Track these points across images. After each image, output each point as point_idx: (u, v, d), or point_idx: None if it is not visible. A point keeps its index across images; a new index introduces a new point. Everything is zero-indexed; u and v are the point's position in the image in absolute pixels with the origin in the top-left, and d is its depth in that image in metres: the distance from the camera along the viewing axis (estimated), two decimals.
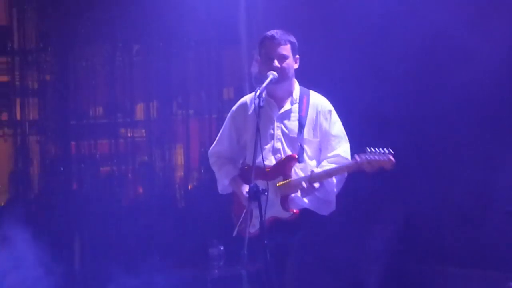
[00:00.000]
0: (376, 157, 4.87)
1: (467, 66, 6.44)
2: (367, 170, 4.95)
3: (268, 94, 5.33)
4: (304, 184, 5.11)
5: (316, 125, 5.32)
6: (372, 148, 4.90)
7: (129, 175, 8.89)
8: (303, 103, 5.33)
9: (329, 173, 5.13)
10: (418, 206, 6.77)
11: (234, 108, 5.56)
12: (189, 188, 8.77)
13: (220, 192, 5.59)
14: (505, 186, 5.96)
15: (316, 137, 5.31)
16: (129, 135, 9.03)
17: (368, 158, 4.91)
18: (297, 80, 5.42)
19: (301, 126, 5.28)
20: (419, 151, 6.67)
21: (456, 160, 6.59)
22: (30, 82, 8.88)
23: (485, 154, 6.44)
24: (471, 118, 6.50)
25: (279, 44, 5.23)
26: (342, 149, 5.27)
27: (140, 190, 8.97)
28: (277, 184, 5.20)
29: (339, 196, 5.36)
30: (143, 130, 9.09)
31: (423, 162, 6.66)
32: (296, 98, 5.36)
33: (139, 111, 9.14)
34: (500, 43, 6.38)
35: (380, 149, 4.87)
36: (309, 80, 5.46)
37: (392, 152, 4.84)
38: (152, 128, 8.98)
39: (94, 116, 9.08)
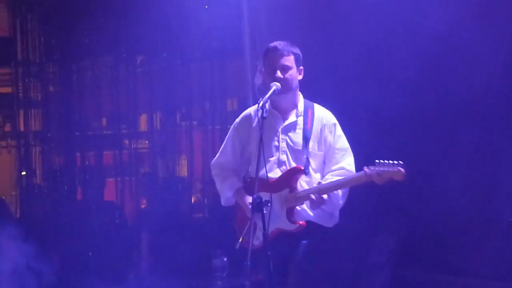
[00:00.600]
0: (386, 168, 4.87)
1: (473, 68, 6.43)
2: (377, 182, 4.95)
3: (272, 105, 5.32)
4: (313, 196, 5.10)
5: (321, 139, 5.31)
6: (381, 160, 4.90)
7: (133, 186, 8.90)
8: (308, 116, 5.32)
9: (338, 185, 5.12)
10: (420, 217, 6.75)
11: (238, 120, 5.55)
12: (193, 199, 8.77)
13: (223, 204, 5.57)
14: (508, 196, 5.94)
15: (320, 150, 5.30)
16: (132, 146, 9.04)
17: (378, 169, 4.90)
18: (300, 91, 5.41)
19: (306, 139, 5.27)
20: (420, 160, 6.65)
21: (458, 170, 6.58)
22: (33, 93, 8.91)
23: (489, 164, 6.42)
24: (477, 126, 6.48)
25: (282, 55, 5.22)
26: (347, 162, 5.27)
27: (144, 201, 8.98)
28: (283, 196, 5.19)
29: (342, 207, 5.36)
30: (147, 141, 9.11)
31: (426, 171, 6.64)
32: (301, 111, 5.34)
33: (143, 122, 9.16)
34: (505, 43, 6.37)
35: (390, 161, 4.87)
36: (313, 85, 5.45)
37: (402, 163, 4.83)
38: (155, 139, 8.99)
39: (98, 127, 9.10)
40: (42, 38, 8.95)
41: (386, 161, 4.88)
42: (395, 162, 4.85)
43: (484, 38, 6.28)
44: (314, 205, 5.12)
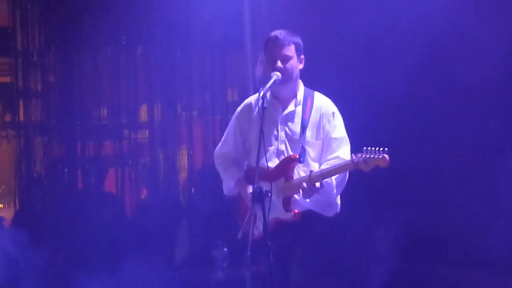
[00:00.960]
0: (372, 155, 4.86)
1: (475, 56, 6.43)
2: (363, 169, 4.94)
3: (272, 95, 5.32)
4: (304, 184, 5.09)
5: (319, 127, 5.30)
6: (368, 147, 4.90)
7: (133, 177, 8.88)
8: (307, 104, 5.31)
9: (328, 173, 5.10)
10: (421, 208, 6.76)
11: (239, 109, 5.55)
12: (193, 189, 8.76)
13: (225, 193, 5.58)
14: (509, 188, 5.94)
15: (319, 139, 5.30)
16: (132, 136, 9.02)
17: (364, 157, 4.90)
18: (301, 78, 5.39)
19: (303, 128, 5.26)
20: (422, 152, 6.65)
21: (460, 162, 6.57)
22: (33, 83, 8.89)
23: (491, 157, 6.42)
24: (478, 115, 6.48)
25: (283, 45, 5.21)
26: (342, 151, 5.26)
27: (144, 192, 8.97)
28: (278, 186, 5.18)
29: (342, 198, 5.35)
30: (147, 131, 9.09)
31: (427, 163, 6.64)
32: (300, 100, 5.34)
33: (143, 112, 9.14)
34: (508, 31, 6.35)
35: (376, 148, 4.87)
36: (313, 73, 5.44)
37: (387, 150, 4.83)
38: (155, 129, 8.97)
39: (98, 117, 9.08)
40: (42, 28, 8.92)
41: (372, 148, 4.87)
42: (381, 149, 4.85)
43: (487, 26, 6.27)
44: (306, 193, 5.11)
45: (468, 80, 6.48)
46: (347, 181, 5.27)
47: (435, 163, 6.72)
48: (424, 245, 6.80)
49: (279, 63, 5.17)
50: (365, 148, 4.91)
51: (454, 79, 6.61)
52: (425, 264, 6.81)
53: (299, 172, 5.23)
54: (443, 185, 6.67)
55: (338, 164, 5.10)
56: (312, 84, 5.44)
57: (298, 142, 5.26)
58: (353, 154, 5.02)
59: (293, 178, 5.21)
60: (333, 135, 5.29)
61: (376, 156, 4.85)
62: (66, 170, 8.81)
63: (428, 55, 6.70)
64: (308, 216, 5.23)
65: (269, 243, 4.75)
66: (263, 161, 5.00)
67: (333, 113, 5.33)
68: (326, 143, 5.29)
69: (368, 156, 4.88)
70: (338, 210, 5.39)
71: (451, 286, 6.68)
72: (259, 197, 4.76)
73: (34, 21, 8.88)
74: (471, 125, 6.54)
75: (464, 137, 6.57)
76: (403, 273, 6.91)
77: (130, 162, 8.96)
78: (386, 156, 4.84)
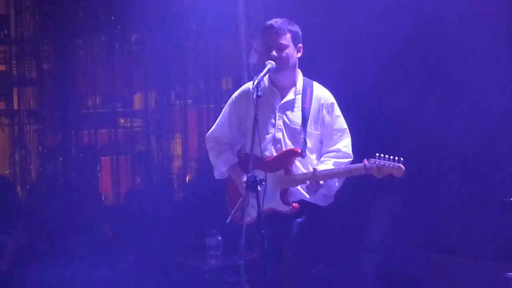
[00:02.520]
0: (387, 163, 4.86)
1: (471, 55, 6.44)
2: (375, 175, 4.94)
3: (270, 82, 5.31)
4: (308, 182, 5.09)
5: (318, 118, 5.28)
6: (381, 154, 4.89)
7: (127, 165, 8.89)
8: (307, 94, 5.29)
9: (335, 174, 5.12)
10: (415, 196, 6.76)
11: (236, 94, 5.51)
12: (187, 178, 8.76)
13: (216, 177, 5.55)
14: (503, 176, 5.95)
15: (317, 130, 5.28)
16: (127, 124, 9.02)
17: (378, 163, 4.89)
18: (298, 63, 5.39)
19: (304, 119, 5.23)
20: (416, 141, 6.66)
21: (453, 151, 6.58)
22: (27, 72, 8.88)
23: (482, 145, 6.42)
24: (470, 109, 6.49)
25: (278, 34, 5.19)
26: (344, 143, 5.26)
27: (138, 180, 8.97)
28: (282, 178, 5.18)
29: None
30: (141, 120, 9.09)
31: (420, 152, 6.64)
32: (300, 89, 5.32)
33: (138, 100, 9.13)
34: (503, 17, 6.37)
35: (391, 156, 4.86)
36: (309, 62, 5.44)
37: (402, 159, 4.82)
38: (150, 117, 8.97)
39: (92, 105, 9.07)
40: (37, 16, 8.90)
41: (386, 156, 4.87)
42: (396, 158, 4.84)
43: (482, 34, 6.30)
44: (311, 191, 5.12)
45: (460, 79, 6.50)
46: None
47: (429, 151, 6.72)
48: (418, 233, 6.81)
49: (274, 52, 5.17)
50: (377, 154, 4.90)
51: (448, 71, 6.62)
52: (419, 251, 6.82)
53: (296, 163, 5.21)
54: (437, 173, 6.68)
55: (348, 168, 5.11)
56: (306, 73, 5.44)
57: (295, 130, 5.25)
58: (365, 159, 5.01)
59: (292, 171, 5.19)
60: (335, 127, 5.29)
61: (391, 165, 4.85)
62: (61, 158, 8.81)
63: (425, 43, 6.72)
64: (302, 204, 5.23)
65: (263, 231, 4.76)
66: (258, 149, 5.00)
67: (332, 104, 5.32)
68: (327, 134, 5.28)
69: (382, 163, 4.87)
70: (332, 200, 5.40)
71: (445, 273, 6.69)
72: (253, 185, 4.76)
73: (28, 9, 8.86)
74: (466, 115, 6.55)
75: (458, 127, 6.57)
76: (397, 260, 6.93)
77: (124, 150, 8.97)
78: (402, 166, 4.85)
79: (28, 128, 8.95)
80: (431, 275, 6.74)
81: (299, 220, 5.23)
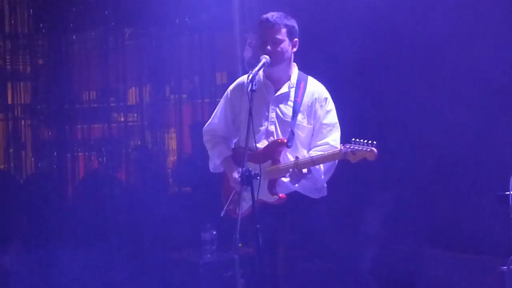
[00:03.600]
0: (360, 147, 4.89)
1: (469, 55, 6.45)
2: (351, 160, 4.97)
3: (265, 76, 5.33)
4: (291, 170, 5.11)
5: (310, 112, 5.30)
6: (357, 139, 4.92)
7: (122, 160, 8.88)
8: (300, 88, 5.31)
9: (314, 161, 5.12)
10: (410, 190, 6.78)
11: (231, 87, 5.53)
12: (181, 172, 8.76)
13: (211, 170, 5.59)
14: (496, 170, 5.95)
15: (309, 124, 5.30)
16: (122, 119, 9.02)
17: (353, 148, 4.93)
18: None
19: (294, 112, 5.26)
20: (410, 135, 6.67)
21: (447, 145, 6.59)
22: (21, 66, 8.86)
23: (476, 139, 6.44)
24: (464, 103, 6.50)
25: (274, 28, 5.20)
26: (332, 137, 5.27)
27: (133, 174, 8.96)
28: (267, 169, 5.19)
29: (330, 179, 5.36)
30: (136, 115, 9.08)
31: (415, 146, 6.66)
32: (294, 83, 5.33)
33: (132, 95, 9.12)
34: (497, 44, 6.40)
35: (365, 140, 4.89)
36: (304, 56, 5.44)
37: (375, 143, 4.86)
38: (144, 112, 8.96)
39: (87, 100, 9.06)
40: (31, 11, 8.88)
41: (361, 140, 4.90)
42: (369, 141, 4.87)
43: (478, 38, 6.33)
44: (293, 179, 5.13)
45: (456, 71, 6.51)
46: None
47: (425, 145, 6.73)
48: (413, 228, 6.82)
49: (269, 46, 5.17)
50: (353, 139, 4.95)
51: (444, 70, 6.63)
52: (414, 246, 6.84)
53: (287, 156, 5.23)
54: (433, 166, 6.69)
55: (326, 153, 5.13)
56: (301, 67, 5.44)
57: (288, 124, 5.27)
58: (341, 144, 5.06)
59: (280, 162, 5.21)
60: (324, 121, 5.30)
61: (364, 149, 4.89)
62: (55, 153, 8.79)
63: (422, 46, 6.73)
64: (294, 197, 5.24)
65: (256, 225, 4.76)
66: (251, 142, 5.02)
67: (326, 99, 5.34)
68: (317, 128, 5.30)
69: (356, 147, 4.91)
70: (326, 193, 5.40)
71: (440, 268, 6.71)
72: (248, 179, 4.77)
73: (23, 3, 8.83)
74: (461, 109, 6.56)
75: (453, 122, 6.58)
76: (391, 255, 6.94)
77: (119, 145, 8.96)
78: (375, 149, 4.88)
79: (23, 122, 8.92)
80: (425, 269, 6.75)
81: (291, 213, 5.25)
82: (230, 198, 5.32)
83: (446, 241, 6.65)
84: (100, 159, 8.90)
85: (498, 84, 6.29)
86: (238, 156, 5.30)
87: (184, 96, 8.98)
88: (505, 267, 5.16)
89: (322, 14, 7.24)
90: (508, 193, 5.26)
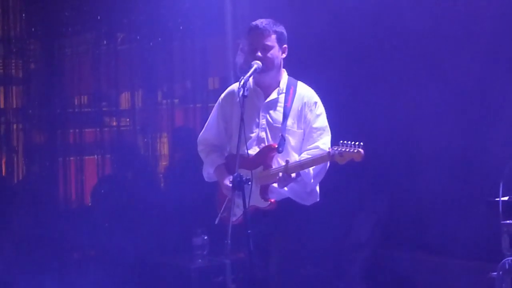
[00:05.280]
0: (348, 149, 4.90)
1: (459, 54, 6.48)
2: (338, 162, 4.99)
3: (255, 83, 5.35)
4: (280, 174, 5.12)
5: (300, 117, 5.32)
6: (345, 141, 4.94)
7: (114, 164, 8.88)
8: (290, 93, 5.34)
9: (303, 164, 5.13)
10: (401, 196, 6.80)
11: (222, 95, 5.57)
12: (173, 177, 8.75)
13: (206, 179, 5.61)
14: (487, 176, 5.97)
15: (300, 128, 5.32)
16: (114, 124, 9.01)
17: (340, 150, 4.94)
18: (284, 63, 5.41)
19: (285, 117, 5.29)
20: (402, 140, 6.69)
21: (438, 150, 6.61)
22: (14, 71, 8.85)
23: (467, 146, 6.46)
24: (454, 108, 6.52)
25: (263, 35, 5.23)
26: (323, 141, 5.29)
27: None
28: (258, 175, 5.21)
29: (321, 185, 5.38)
30: (128, 119, 9.08)
31: (407, 151, 6.68)
32: (283, 88, 5.36)
33: (124, 100, 9.12)
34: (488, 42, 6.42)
35: (352, 142, 4.91)
36: (295, 62, 5.47)
37: (362, 144, 4.88)
38: (137, 117, 8.96)
39: (79, 105, 9.05)
40: (23, 15, 8.87)
41: (349, 142, 4.91)
42: (357, 143, 4.89)
43: (471, 39, 6.35)
44: (281, 183, 5.14)
45: (447, 75, 6.54)
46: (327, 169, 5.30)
47: (415, 151, 6.75)
48: (404, 233, 6.84)
49: (259, 53, 5.20)
50: (341, 141, 4.96)
51: (431, 67, 6.65)
52: (405, 251, 6.85)
53: (279, 161, 5.25)
54: (423, 173, 6.71)
55: (314, 156, 5.14)
56: (293, 73, 5.46)
57: (279, 130, 5.29)
58: (329, 147, 5.08)
59: (271, 167, 5.23)
60: (314, 125, 5.32)
61: (351, 150, 4.90)
62: (47, 158, 8.79)
63: (413, 48, 6.75)
64: (286, 204, 5.25)
65: (248, 231, 4.78)
66: (243, 148, 5.03)
67: (315, 103, 5.36)
68: (307, 132, 5.32)
69: (344, 149, 4.92)
70: (318, 199, 5.42)
71: (430, 273, 6.73)
72: (239, 185, 4.79)
73: (15, 7, 8.82)
74: (450, 116, 6.58)
75: (445, 125, 6.61)
76: (383, 260, 6.96)
77: (111, 150, 8.95)
78: (361, 150, 4.89)
79: (15, 127, 8.91)
80: (416, 274, 6.77)
81: (284, 220, 5.26)
82: (224, 205, 5.33)
83: (437, 246, 6.67)
84: (91, 163, 8.90)
85: (490, 88, 6.33)
86: (231, 163, 5.31)
87: (176, 101, 8.98)
88: (495, 273, 5.18)
89: (316, 20, 7.26)
90: (498, 199, 5.29)
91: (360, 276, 7.01)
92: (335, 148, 4.98)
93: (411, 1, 6.65)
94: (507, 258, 5.17)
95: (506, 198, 5.35)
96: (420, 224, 6.72)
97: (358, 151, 4.89)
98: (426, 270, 6.76)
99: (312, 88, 5.44)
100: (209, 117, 5.62)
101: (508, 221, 5.27)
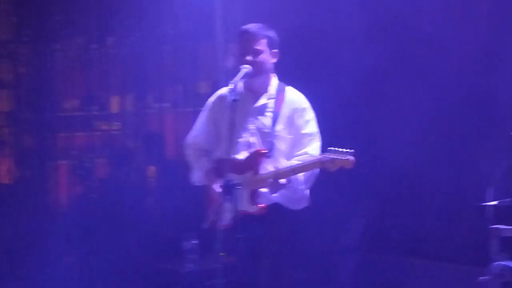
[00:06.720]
0: (339, 156, 4.90)
1: (443, 56, 6.50)
2: (329, 169, 4.98)
3: (245, 87, 5.33)
4: (270, 180, 5.12)
5: (290, 122, 5.30)
6: (334, 147, 4.93)
7: (103, 168, 8.88)
8: (279, 99, 5.32)
9: (293, 170, 5.12)
10: (390, 200, 6.81)
11: (211, 99, 5.54)
12: (163, 181, 8.76)
13: (193, 183, 5.58)
14: (476, 182, 5.99)
15: (289, 134, 5.30)
16: (104, 128, 9.01)
17: (331, 157, 4.93)
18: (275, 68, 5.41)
19: (274, 122, 5.28)
20: (391, 146, 6.70)
21: (428, 156, 6.63)
22: (4, 74, 8.85)
23: (456, 150, 6.48)
24: (442, 115, 6.55)
25: (253, 39, 5.22)
26: (312, 147, 5.27)
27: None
28: (248, 180, 5.21)
29: (311, 190, 5.37)
30: (119, 123, 9.08)
31: (395, 156, 6.69)
32: (273, 93, 5.35)
33: (115, 104, 9.12)
34: (472, 42, 6.44)
35: (342, 149, 4.91)
36: (286, 67, 5.46)
37: (353, 151, 4.88)
38: (127, 121, 8.96)
39: (69, 108, 9.05)
40: (14, 19, 8.87)
41: (339, 149, 4.91)
42: (347, 150, 4.89)
43: (455, 39, 6.36)
44: (272, 189, 5.14)
45: (434, 83, 6.56)
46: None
47: (405, 155, 6.76)
48: (393, 237, 6.86)
49: (248, 57, 5.20)
50: (330, 148, 4.94)
51: (420, 73, 6.67)
52: (394, 255, 6.87)
53: (268, 166, 5.24)
54: (412, 177, 6.73)
55: (305, 162, 5.12)
56: (284, 78, 5.46)
57: (268, 134, 5.27)
58: (320, 154, 5.07)
59: (260, 172, 5.22)
60: (304, 131, 5.31)
61: (342, 157, 4.89)
62: (37, 161, 8.78)
63: (396, 51, 6.77)
64: (276, 208, 5.25)
65: (238, 236, 4.78)
66: (233, 153, 5.03)
67: (305, 108, 5.34)
68: (297, 138, 5.30)
69: (335, 156, 4.91)
70: (307, 203, 5.42)
71: (419, 277, 6.74)
72: (229, 189, 4.79)
73: (6, 11, 8.82)
74: (442, 119, 6.60)
75: (433, 129, 6.63)
76: (372, 264, 6.97)
77: (101, 153, 8.95)
78: (352, 158, 4.88)
79: (5, 130, 8.91)
80: (406, 278, 6.78)
81: (274, 224, 5.26)
82: (213, 210, 5.31)
83: (426, 250, 6.69)
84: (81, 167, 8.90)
85: (479, 93, 6.35)
86: (220, 168, 5.30)
87: (167, 105, 8.98)
88: (484, 277, 5.20)
89: (306, 25, 7.28)
90: (487, 203, 5.31)
91: (350, 280, 7.02)
92: (326, 155, 4.97)
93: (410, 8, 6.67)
94: (496, 263, 5.19)
95: (495, 203, 5.38)
96: (409, 228, 6.74)
97: (349, 159, 4.89)
98: (415, 274, 6.78)
99: (303, 94, 5.43)
100: (197, 121, 5.59)
101: (497, 226, 5.30)
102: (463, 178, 6.37)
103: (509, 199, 5.42)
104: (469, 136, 6.41)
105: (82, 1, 8.69)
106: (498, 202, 5.37)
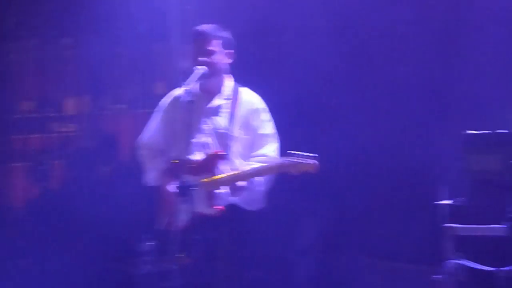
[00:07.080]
0: (302, 160, 4.90)
1: (405, 59, 6.54)
2: (292, 172, 4.98)
3: (200, 88, 5.33)
4: (230, 184, 5.11)
5: (247, 123, 5.32)
6: (297, 151, 4.93)
7: (59, 170, 8.82)
8: (235, 99, 5.33)
9: (256, 173, 5.12)
10: (347, 200, 6.83)
11: (165, 100, 5.54)
12: (118, 182, 8.71)
13: (147, 183, 5.56)
14: (433, 180, 6.04)
15: (246, 135, 5.32)
16: (60, 129, 8.95)
17: (294, 161, 4.93)
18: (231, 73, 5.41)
19: (230, 123, 5.27)
20: (349, 146, 6.72)
21: (382, 155, 6.67)
22: None
23: (413, 149, 6.52)
24: (397, 114, 6.59)
25: (206, 40, 5.24)
26: (271, 148, 5.29)
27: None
28: (204, 181, 5.20)
29: (270, 191, 5.38)
30: (74, 125, 9.02)
31: (354, 157, 6.71)
32: (228, 94, 5.35)
33: (71, 105, 9.06)
34: (428, 43, 6.49)
35: (305, 153, 4.91)
36: (242, 68, 5.46)
37: (316, 155, 4.88)
38: (83, 122, 8.91)
39: (25, 110, 8.98)
40: None
41: (301, 153, 4.91)
42: (310, 154, 4.90)
43: (421, 39, 6.41)
44: (233, 192, 5.14)
45: (395, 81, 6.60)
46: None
47: (363, 157, 6.80)
48: (348, 237, 6.88)
49: (202, 58, 5.19)
50: (292, 152, 4.94)
51: (383, 77, 6.71)
52: (349, 255, 6.90)
53: (225, 168, 5.23)
54: (366, 177, 6.76)
55: (266, 166, 5.12)
56: (240, 79, 5.46)
57: (223, 135, 5.28)
58: (283, 158, 5.06)
59: (217, 174, 5.21)
60: (260, 132, 5.32)
61: (305, 161, 4.89)
62: None
63: (359, 54, 6.80)
64: (232, 209, 5.24)
65: (195, 237, 4.78)
66: (188, 153, 5.02)
67: (262, 109, 5.36)
68: (254, 139, 5.32)
69: (298, 160, 4.91)
70: (264, 204, 5.42)
71: (373, 277, 6.78)
72: (184, 191, 4.78)
73: None
74: (397, 121, 6.64)
75: (393, 133, 6.66)
76: (328, 264, 6.99)
77: (57, 155, 8.90)
78: (316, 162, 4.89)
79: None
80: (361, 278, 6.81)
81: (230, 225, 5.25)
82: (168, 211, 5.30)
83: (380, 250, 6.72)
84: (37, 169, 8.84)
85: (434, 92, 6.40)
86: (175, 169, 5.28)
87: (123, 106, 8.94)
88: (438, 276, 5.24)
89: (262, 25, 7.29)
90: (441, 202, 5.36)
91: (305, 280, 7.04)
92: (289, 159, 4.97)
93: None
94: (449, 261, 5.23)
95: (449, 202, 5.42)
96: (364, 228, 6.77)
97: (313, 163, 4.90)
98: (371, 274, 6.81)
99: (259, 95, 5.44)
100: (150, 121, 5.58)
101: (451, 225, 5.34)
102: (417, 177, 6.41)
103: (463, 198, 5.47)
104: (424, 135, 6.45)
105: (36, 2, 8.62)
106: (453, 201, 5.42)
